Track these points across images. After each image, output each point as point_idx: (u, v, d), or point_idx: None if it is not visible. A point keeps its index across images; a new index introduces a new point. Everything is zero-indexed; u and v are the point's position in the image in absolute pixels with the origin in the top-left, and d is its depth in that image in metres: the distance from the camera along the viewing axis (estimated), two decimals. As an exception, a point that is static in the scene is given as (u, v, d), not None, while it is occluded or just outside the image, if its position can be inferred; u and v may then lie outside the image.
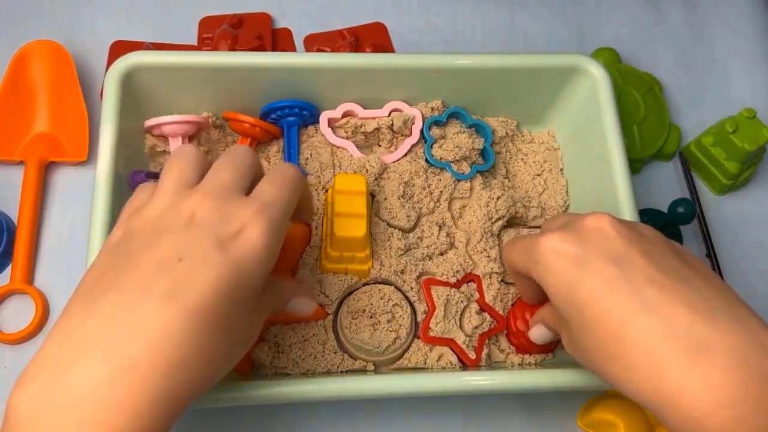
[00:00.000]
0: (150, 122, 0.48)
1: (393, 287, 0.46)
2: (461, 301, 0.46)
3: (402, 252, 0.47)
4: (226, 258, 0.30)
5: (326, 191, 0.48)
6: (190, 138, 0.49)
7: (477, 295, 0.47)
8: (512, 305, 0.48)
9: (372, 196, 0.49)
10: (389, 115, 0.51)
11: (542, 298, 0.43)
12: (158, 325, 0.28)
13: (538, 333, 0.43)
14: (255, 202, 0.33)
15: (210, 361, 0.30)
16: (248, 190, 0.35)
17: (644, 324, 0.31)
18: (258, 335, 0.35)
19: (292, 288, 0.40)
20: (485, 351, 0.46)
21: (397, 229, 0.48)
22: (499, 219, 0.49)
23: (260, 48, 0.56)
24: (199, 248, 0.30)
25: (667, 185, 0.59)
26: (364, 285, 0.46)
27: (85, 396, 0.27)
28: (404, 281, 0.47)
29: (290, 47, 0.58)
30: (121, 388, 0.27)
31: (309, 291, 0.44)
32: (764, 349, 0.30)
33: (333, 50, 0.57)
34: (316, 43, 0.58)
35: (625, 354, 0.31)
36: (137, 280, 0.29)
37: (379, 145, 0.51)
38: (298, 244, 0.46)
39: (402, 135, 0.51)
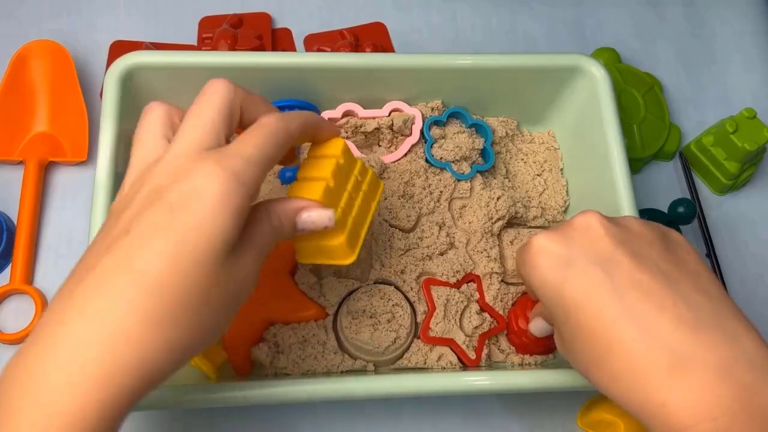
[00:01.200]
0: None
1: (393, 287, 0.46)
2: (461, 301, 0.46)
3: (402, 252, 0.47)
4: (174, 221, 0.28)
5: None
6: (189, 138, 0.49)
7: (477, 295, 0.47)
8: (512, 305, 0.48)
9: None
10: (389, 115, 0.51)
11: None
12: (113, 300, 0.27)
13: (537, 326, 0.42)
14: (213, 156, 0.30)
15: (180, 327, 0.28)
16: (228, 136, 0.33)
17: (627, 333, 0.30)
18: (252, 288, 0.32)
19: (290, 206, 0.34)
20: (485, 351, 0.46)
21: (397, 229, 0.48)
22: (499, 219, 0.49)
23: (260, 48, 0.56)
24: (148, 218, 0.29)
25: (667, 185, 0.59)
26: (365, 285, 0.46)
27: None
28: (404, 281, 0.47)
29: (290, 47, 0.58)
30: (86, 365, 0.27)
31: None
32: (749, 361, 0.29)
33: (333, 50, 0.57)
34: (316, 43, 0.58)
35: (610, 362, 0.31)
36: (105, 259, 0.29)
37: (379, 145, 0.51)
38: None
39: (402, 135, 0.51)
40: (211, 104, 0.32)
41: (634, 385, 0.30)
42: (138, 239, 0.28)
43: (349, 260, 0.36)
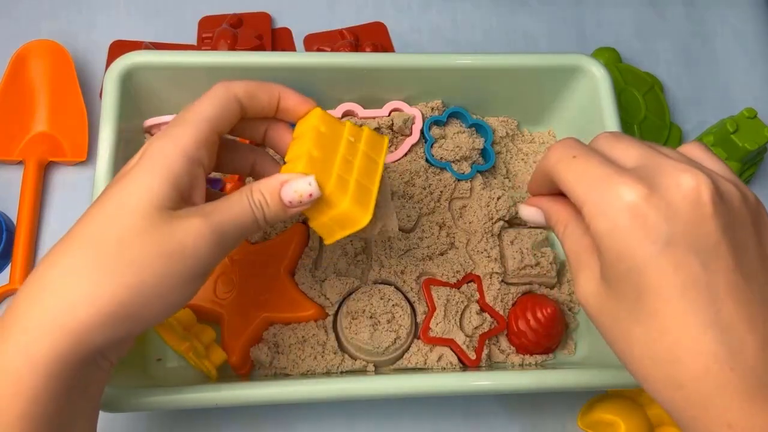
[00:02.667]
0: (149, 122, 0.48)
1: (393, 287, 0.46)
2: (461, 302, 0.46)
3: (402, 252, 0.47)
4: (109, 188, 0.32)
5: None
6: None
7: (477, 296, 0.47)
8: (513, 305, 0.48)
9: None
10: (389, 114, 0.51)
11: (552, 193, 0.36)
12: (66, 260, 0.30)
13: (531, 214, 0.37)
14: (162, 133, 0.33)
15: (115, 274, 0.30)
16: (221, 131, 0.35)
17: (709, 345, 0.26)
18: (204, 258, 0.32)
19: (271, 181, 0.34)
20: (485, 351, 0.46)
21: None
22: (499, 219, 0.49)
23: (260, 48, 0.55)
24: (110, 187, 0.32)
25: (667, 185, 0.59)
26: (365, 286, 0.46)
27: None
28: (404, 281, 0.47)
29: (290, 47, 0.58)
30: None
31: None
32: None
33: (333, 50, 0.57)
34: (315, 42, 0.58)
35: (675, 368, 0.27)
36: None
37: (379, 145, 0.51)
38: (294, 245, 0.46)
39: (402, 135, 0.51)
40: (201, 105, 0.34)
41: (698, 397, 0.27)
42: (92, 207, 0.32)
43: (365, 220, 0.34)
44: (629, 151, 0.31)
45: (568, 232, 0.33)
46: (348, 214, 0.34)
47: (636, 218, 0.27)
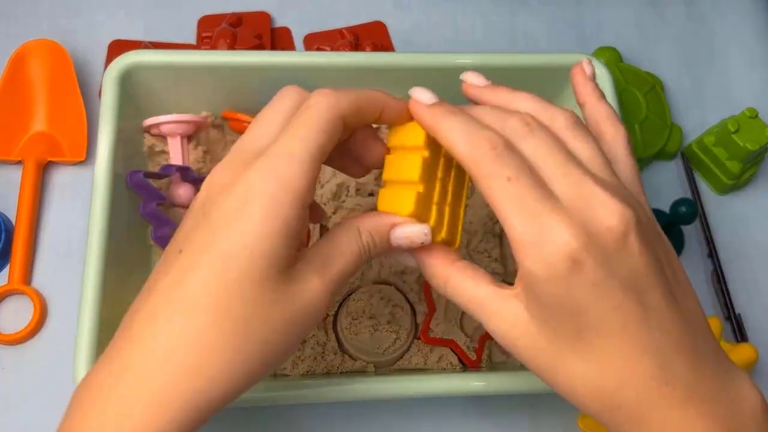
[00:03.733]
0: (148, 121, 0.48)
1: (393, 288, 0.46)
2: (462, 302, 0.46)
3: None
4: (215, 243, 0.27)
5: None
6: (189, 137, 0.49)
7: (477, 296, 0.47)
8: (513, 306, 0.48)
9: (372, 196, 0.49)
10: (389, 114, 0.50)
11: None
12: (164, 329, 0.27)
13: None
14: (255, 161, 0.28)
15: (235, 352, 0.27)
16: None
17: (646, 368, 0.28)
18: (321, 313, 0.30)
19: (382, 222, 0.31)
20: (486, 352, 0.46)
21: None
22: (499, 219, 0.49)
23: (259, 47, 0.55)
24: (196, 238, 0.28)
25: (668, 185, 0.59)
26: (365, 286, 0.46)
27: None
28: (404, 281, 0.46)
29: (290, 46, 0.58)
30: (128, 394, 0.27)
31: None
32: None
33: (333, 49, 0.57)
34: (315, 42, 0.58)
35: (615, 389, 0.28)
36: (160, 282, 0.29)
37: (379, 145, 0.51)
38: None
39: (402, 134, 0.51)
40: (308, 132, 0.29)
41: (638, 414, 0.28)
42: (188, 260, 0.28)
43: (407, 209, 0.31)
44: (557, 170, 0.29)
45: (454, 286, 0.31)
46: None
47: (575, 265, 0.27)
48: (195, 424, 0.27)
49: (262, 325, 0.28)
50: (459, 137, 0.29)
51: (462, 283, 0.31)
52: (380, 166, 0.33)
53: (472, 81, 0.35)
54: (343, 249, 0.30)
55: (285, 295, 0.28)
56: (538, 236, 0.27)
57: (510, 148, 0.29)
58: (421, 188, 0.31)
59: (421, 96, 0.33)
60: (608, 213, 0.28)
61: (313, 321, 0.29)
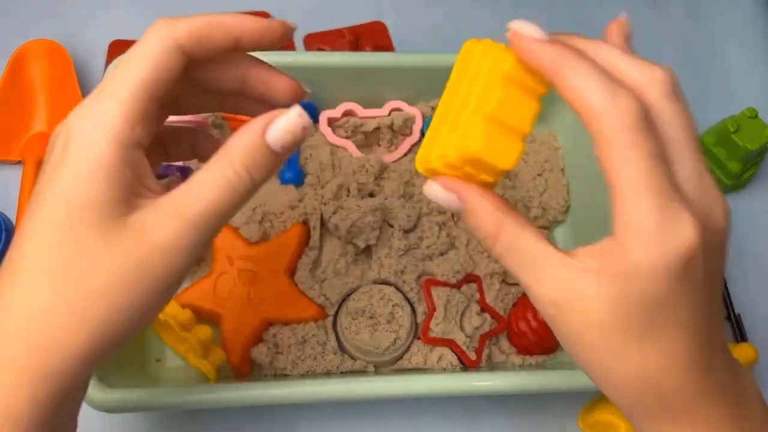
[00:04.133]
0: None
1: (393, 288, 0.46)
2: (462, 302, 0.46)
3: (402, 252, 0.47)
4: (41, 203, 0.26)
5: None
6: (189, 138, 0.49)
7: (478, 296, 0.47)
8: (513, 306, 0.48)
9: (371, 196, 0.49)
10: (389, 114, 0.50)
11: None
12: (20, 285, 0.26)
13: (441, 196, 0.28)
14: (82, 106, 0.27)
15: (80, 298, 0.25)
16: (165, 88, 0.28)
17: (696, 361, 0.27)
18: (188, 253, 0.26)
19: (250, 137, 0.27)
20: (486, 352, 0.46)
21: (397, 229, 0.47)
22: (499, 219, 0.49)
23: (260, 47, 0.55)
24: (32, 202, 0.27)
25: (668, 185, 0.58)
26: (364, 286, 0.46)
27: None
28: (404, 281, 0.46)
29: (290, 46, 0.58)
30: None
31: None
32: None
33: (333, 49, 0.57)
34: (315, 42, 0.58)
35: (662, 377, 0.27)
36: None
37: (379, 145, 0.51)
38: (294, 244, 0.46)
39: (402, 134, 0.51)
40: (131, 63, 0.27)
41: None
42: (21, 226, 0.26)
43: (510, 162, 0.26)
44: (686, 153, 0.26)
45: (510, 241, 0.27)
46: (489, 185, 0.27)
47: (689, 264, 0.25)
48: (60, 395, 0.26)
49: (101, 283, 0.25)
50: (595, 91, 0.25)
51: (519, 237, 0.27)
52: (287, 102, 0.30)
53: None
54: (204, 184, 0.26)
55: (122, 242, 0.25)
56: (662, 227, 0.24)
57: (651, 113, 0.25)
58: (522, 140, 0.26)
59: (529, 30, 0.28)
60: (721, 213, 0.26)
61: (178, 264, 0.26)
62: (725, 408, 0.28)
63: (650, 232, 0.24)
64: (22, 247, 0.26)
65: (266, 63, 0.31)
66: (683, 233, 0.24)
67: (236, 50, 0.29)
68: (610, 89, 0.25)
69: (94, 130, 0.26)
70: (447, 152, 0.27)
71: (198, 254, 0.27)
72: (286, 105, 0.29)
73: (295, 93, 0.31)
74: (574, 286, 0.26)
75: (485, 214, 0.27)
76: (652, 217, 0.24)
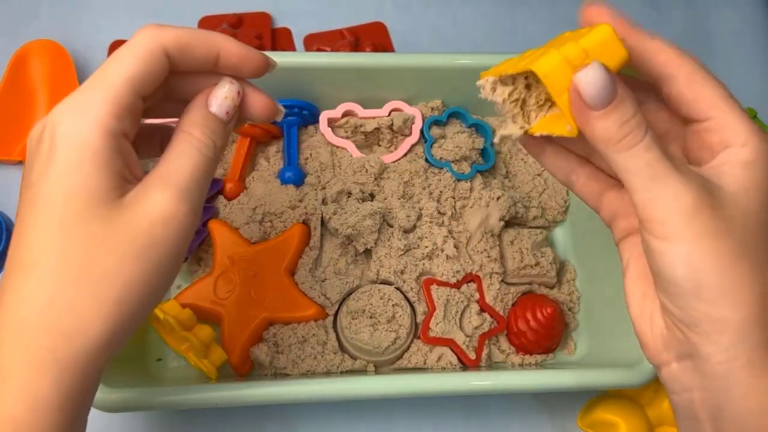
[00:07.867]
0: (148, 122, 0.48)
1: (393, 287, 0.46)
2: (461, 302, 0.46)
3: (402, 252, 0.47)
4: (36, 195, 0.27)
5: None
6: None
7: (477, 296, 0.47)
8: (513, 305, 0.48)
9: (371, 196, 0.49)
10: (389, 114, 0.50)
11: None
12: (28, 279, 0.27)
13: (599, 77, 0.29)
14: (71, 97, 0.28)
15: (89, 284, 0.26)
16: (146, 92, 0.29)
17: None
18: (185, 226, 0.28)
19: (198, 108, 0.30)
20: (485, 351, 0.46)
21: (397, 229, 0.47)
22: (499, 219, 0.49)
23: (260, 47, 0.55)
24: (22, 196, 0.28)
25: (667, 185, 0.59)
26: (365, 285, 0.46)
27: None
28: (404, 281, 0.47)
29: (290, 47, 0.58)
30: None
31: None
32: None
33: (333, 50, 0.57)
34: (315, 42, 0.58)
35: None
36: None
37: (379, 145, 0.51)
38: (294, 244, 0.46)
39: (402, 135, 0.51)
40: (120, 60, 0.28)
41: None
42: (19, 218, 0.27)
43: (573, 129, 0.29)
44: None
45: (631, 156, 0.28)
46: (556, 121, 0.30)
47: None
48: (80, 381, 0.27)
49: (109, 265, 0.26)
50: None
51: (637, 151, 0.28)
52: (267, 118, 0.32)
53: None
54: (178, 155, 0.29)
55: (124, 221, 0.27)
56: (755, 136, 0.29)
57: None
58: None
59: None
60: None
61: (179, 232, 0.28)
62: None
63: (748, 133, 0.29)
64: (26, 241, 0.27)
65: (246, 80, 0.32)
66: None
67: (215, 68, 0.30)
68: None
69: (79, 121, 0.27)
70: (573, 46, 0.29)
71: (194, 223, 0.29)
72: (261, 122, 0.33)
73: (270, 111, 0.32)
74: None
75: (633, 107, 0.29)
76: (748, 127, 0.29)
